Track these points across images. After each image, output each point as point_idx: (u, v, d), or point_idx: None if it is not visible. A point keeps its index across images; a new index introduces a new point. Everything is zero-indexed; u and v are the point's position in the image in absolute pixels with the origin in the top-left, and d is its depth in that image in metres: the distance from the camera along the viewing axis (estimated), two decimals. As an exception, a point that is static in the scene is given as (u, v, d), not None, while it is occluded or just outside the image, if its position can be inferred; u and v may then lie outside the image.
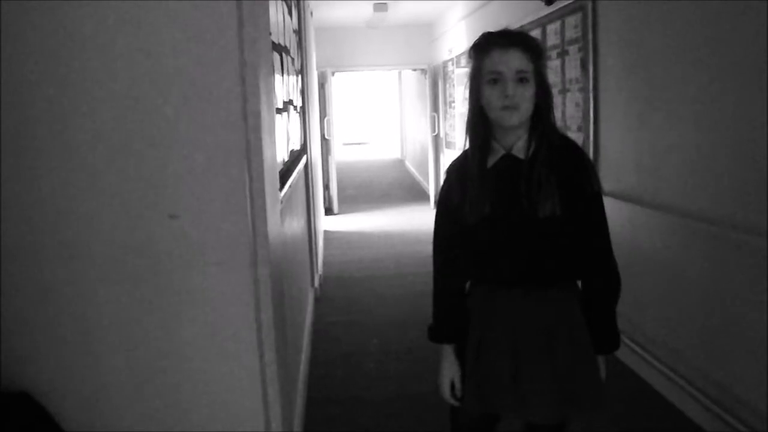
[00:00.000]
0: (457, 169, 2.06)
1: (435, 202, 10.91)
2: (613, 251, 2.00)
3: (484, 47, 1.93)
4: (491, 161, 1.98)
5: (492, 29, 1.95)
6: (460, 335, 2.09)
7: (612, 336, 2.02)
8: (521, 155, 1.94)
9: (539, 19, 5.53)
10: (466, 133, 2.02)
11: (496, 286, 2.02)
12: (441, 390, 2.15)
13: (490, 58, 1.90)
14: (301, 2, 5.63)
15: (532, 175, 1.89)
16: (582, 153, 2.01)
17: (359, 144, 25.83)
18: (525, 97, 1.88)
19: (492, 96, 1.90)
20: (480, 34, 1.96)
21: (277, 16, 3.14)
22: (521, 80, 1.88)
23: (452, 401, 2.13)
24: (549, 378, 1.95)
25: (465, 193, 1.98)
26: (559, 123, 5.08)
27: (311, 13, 8.00)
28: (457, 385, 2.11)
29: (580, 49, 4.76)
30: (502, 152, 1.96)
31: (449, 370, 2.12)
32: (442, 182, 2.14)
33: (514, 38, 1.91)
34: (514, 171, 1.93)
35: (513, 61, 1.87)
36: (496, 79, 1.89)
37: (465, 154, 2.04)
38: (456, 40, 9.28)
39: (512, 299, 1.99)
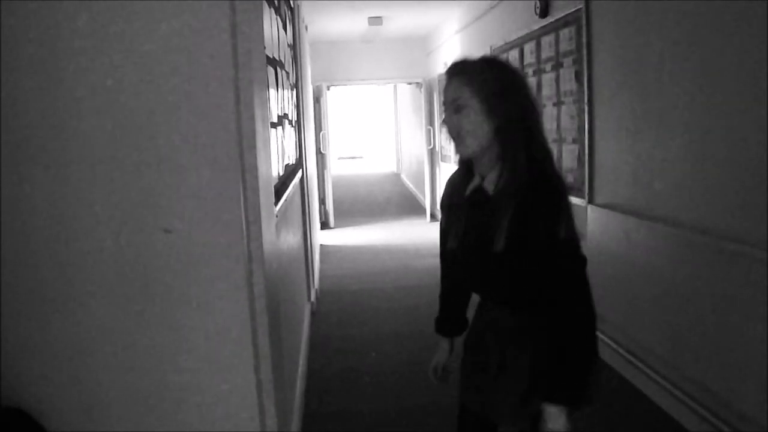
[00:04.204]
0: (449, 188, 2.14)
1: (431, 215, 10.93)
2: (581, 299, 1.88)
3: None
4: (469, 189, 2.00)
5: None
6: (459, 332, 2.31)
7: (563, 386, 1.82)
8: (491, 188, 1.90)
9: (533, 31, 5.56)
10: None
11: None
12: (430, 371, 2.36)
13: None
14: (296, 16, 5.64)
15: (492, 211, 1.86)
16: (551, 197, 1.83)
17: (355, 158, 25.86)
18: (462, 126, 1.86)
19: None
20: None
21: (272, 30, 3.15)
22: (457, 109, 1.86)
23: (434, 380, 2.35)
24: (503, 390, 2.02)
25: (448, 219, 2.08)
26: (554, 135, 5.13)
27: (306, 28, 8.03)
28: (439, 370, 2.33)
29: (574, 62, 4.77)
30: (477, 182, 1.96)
31: (438, 356, 2.35)
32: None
33: (453, 68, 1.91)
34: (482, 204, 1.92)
35: (449, 90, 1.89)
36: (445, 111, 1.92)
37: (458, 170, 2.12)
38: (451, 53, 9.30)
39: (487, 312, 2.12)
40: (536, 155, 1.85)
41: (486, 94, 1.83)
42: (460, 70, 1.89)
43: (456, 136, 1.89)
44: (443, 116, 1.93)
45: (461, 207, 2.01)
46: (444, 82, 1.93)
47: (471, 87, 1.84)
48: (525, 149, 1.84)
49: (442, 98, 1.93)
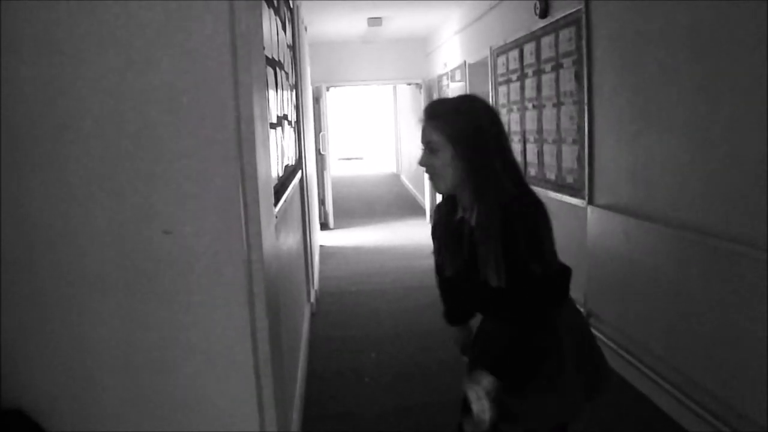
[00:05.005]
0: (437, 217, 2.26)
1: (430, 216, 10.92)
2: (545, 319, 1.98)
3: None
4: (455, 221, 2.13)
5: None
6: (469, 317, 2.44)
7: (504, 367, 1.97)
8: (472, 221, 2.01)
9: (533, 32, 5.55)
10: None
11: None
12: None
13: None
14: (296, 17, 5.64)
15: (474, 244, 1.98)
16: (522, 235, 1.91)
17: (355, 159, 25.83)
18: (435, 165, 2.00)
19: None
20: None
21: (271, 30, 3.14)
22: (431, 150, 2.00)
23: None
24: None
25: (439, 247, 2.21)
26: (553, 136, 5.13)
27: (306, 28, 8.03)
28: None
29: (574, 62, 4.77)
30: (460, 214, 2.10)
31: (457, 337, 2.49)
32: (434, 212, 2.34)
33: (427, 111, 2.04)
34: (469, 236, 2.03)
35: (423, 132, 2.02)
36: None
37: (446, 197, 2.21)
38: (451, 54, 9.30)
39: (484, 320, 2.27)
40: (505, 193, 1.94)
41: (455, 139, 1.96)
42: (432, 114, 2.02)
43: (431, 175, 2.04)
44: (421, 155, 2.05)
45: (453, 237, 2.11)
46: (422, 123, 2.04)
47: (442, 131, 1.97)
48: (495, 188, 1.94)
49: (420, 137, 2.05)
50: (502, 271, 1.89)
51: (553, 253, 1.98)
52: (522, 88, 6.01)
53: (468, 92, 8.03)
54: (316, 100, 10.41)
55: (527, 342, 1.96)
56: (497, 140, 1.99)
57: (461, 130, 1.95)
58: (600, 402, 2.18)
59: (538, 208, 1.96)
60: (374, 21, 8.98)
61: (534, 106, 5.69)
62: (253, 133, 1.88)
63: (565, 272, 2.08)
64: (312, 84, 9.80)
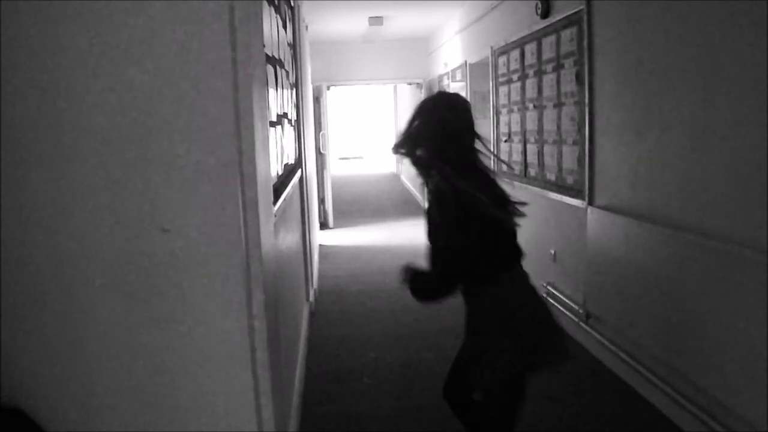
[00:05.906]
0: None
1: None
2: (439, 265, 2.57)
3: None
4: None
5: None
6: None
7: (414, 278, 2.71)
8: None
9: (535, 32, 5.55)
10: None
11: None
12: None
13: None
14: (296, 15, 5.63)
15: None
16: (435, 194, 2.49)
17: (355, 158, 25.82)
18: None
19: None
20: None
21: (271, 28, 3.13)
22: None
23: None
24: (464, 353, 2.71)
25: None
26: (554, 137, 5.12)
27: (306, 27, 8.02)
28: None
29: (575, 63, 4.76)
30: None
31: None
32: None
33: None
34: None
35: None
36: None
37: None
38: (452, 54, 9.30)
39: None
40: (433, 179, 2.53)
41: (417, 123, 2.65)
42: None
43: None
44: None
45: None
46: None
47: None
48: (431, 173, 2.55)
49: None
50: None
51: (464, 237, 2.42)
52: (523, 88, 6.00)
53: (467, 91, 8.04)
54: (317, 99, 10.41)
55: (429, 278, 2.62)
56: (439, 130, 2.55)
57: (417, 118, 2.64)
58: (548, 374, 2.65)
59: (446, 199, 2.42)
60: (375, 20, 8.98)
61: (535, 107, 5.69)
62: (252, 131, 1.87)
63: (505, 254, 2.55)
64: (312, 83, 9.79)
